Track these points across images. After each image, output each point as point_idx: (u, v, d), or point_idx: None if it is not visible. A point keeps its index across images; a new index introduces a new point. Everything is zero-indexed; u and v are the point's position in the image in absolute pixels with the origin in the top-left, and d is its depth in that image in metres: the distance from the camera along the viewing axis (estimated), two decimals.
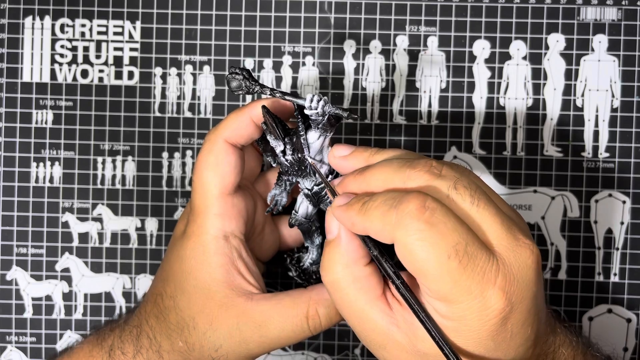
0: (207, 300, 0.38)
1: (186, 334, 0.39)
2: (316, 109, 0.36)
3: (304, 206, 0.41)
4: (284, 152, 0.38)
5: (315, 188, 0.39)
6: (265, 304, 0.38)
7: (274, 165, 0.41)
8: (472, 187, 0.32)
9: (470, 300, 0.30)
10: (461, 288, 0.30)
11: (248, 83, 0.37)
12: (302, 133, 0.37)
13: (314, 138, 0.37)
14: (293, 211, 0.41)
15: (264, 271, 0.46)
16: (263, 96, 0.38)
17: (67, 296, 0.50)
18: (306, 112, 0.36)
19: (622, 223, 0.48)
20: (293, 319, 0.38)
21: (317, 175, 0.38)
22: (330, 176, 0.39)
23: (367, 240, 0.33)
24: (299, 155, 0.38)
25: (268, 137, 0.39)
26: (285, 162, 0.39)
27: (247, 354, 0.39)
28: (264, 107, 0.38)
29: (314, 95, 0.36)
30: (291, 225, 0.41)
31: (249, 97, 0.49)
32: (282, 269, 0.48)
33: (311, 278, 0.43)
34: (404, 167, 0.33)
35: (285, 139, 0.38)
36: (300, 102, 0.36)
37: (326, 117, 0.36)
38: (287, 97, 0.37)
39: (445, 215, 0.30)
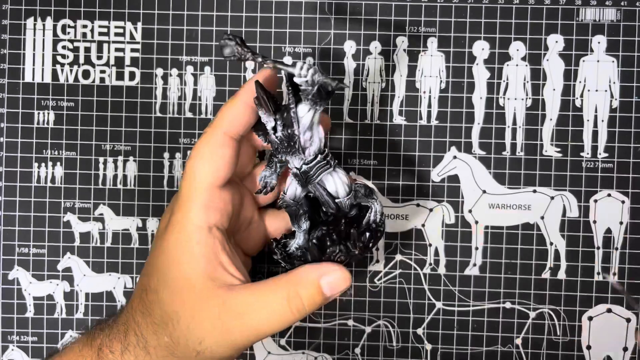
0: (189, 292, 0.38)
1: (170, 329, 0.38)
2: (305, 77, 0.36)
3: (292, 187, 0.40)
4: (274, 128, 0.38)
5: (304, 167, 0.39)
6: (245, 292, 0.38)
7: (265, 144, 0.40)
8: None
9: None
10: None
11: (240, 49, 0.36)
12: (292, 106, 0.37)
13: (304, 111, 0.37)
14: (282, 192, 0.41)
15: (250, 267, 0.46)
16: (248, 63, 0.38)
17: (69, 296, 0.50)
18: (295, 80, 0.36)
19: (621, 223, 0.49)
20: (273, 303, 0.37)
21: (306, 153, 0.38)
22: (319, 156, 0.39)
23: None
24: (289, 131, 0.38)
25: (260, 113, 0.39)
26: (276, 140, 0.39)
27: (231, 345, 0.38)
28: (257, 82, 0.38)
29: (304, 63, 0.36)
30: (279, 207, 0.41)
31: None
32: (268, 252, 0.47)
33: (294, 261, 0.42)
34: None
35: (277, 115, 0.38)
36: (290, 69, 0.36)
37: (316, 87, 0.36)
38: (278, 65, 0.37)
39: None
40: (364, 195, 0.41)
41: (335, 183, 0.40)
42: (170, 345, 0.39)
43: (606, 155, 0.49)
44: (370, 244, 0.40)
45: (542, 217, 0.49)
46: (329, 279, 0.38)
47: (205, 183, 0.39)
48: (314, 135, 0.38)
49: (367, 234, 0.40)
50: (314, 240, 0.40)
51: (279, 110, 0.38)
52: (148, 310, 0.39)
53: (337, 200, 0.40)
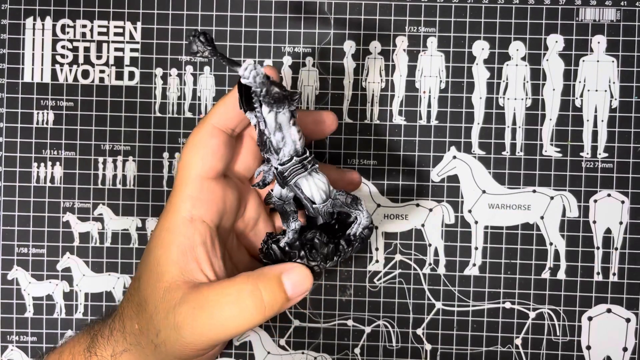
0: (157, 280, 0.38)
1: (140, 316, 0.38)
2: (248, 79, 0.35)
3: (278, 186, 0.40)
4: (256, 125, 0.38)
5: (280, 167, 0.38)
6: (204, 288, 0.36)
7: (258, 144, 0.40)
8: None
9: None
10: None
11: (202, 47, 0.36)
12: (255, 105, 0.36)
13: (266, 112, 0.36)
14: (269, 190, 0.40)
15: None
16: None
17: (68, 296, 0.50)
18: (242, 81, 0.35)
19: (620, 223, 0.49)
20: (228, 296, 0.36)
21: (280, 153, 0.37)
22: (295, 158, 0.38)
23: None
24: (260, 129, 0.37)
25: (241, 110, 0.38)
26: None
27: (181, 342, 0.36)
28: (239, 80, 0.37)
29: (249, 64, 0.35)
30: (267, 204, 0.41)
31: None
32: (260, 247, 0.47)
33: (271, 257, 0.41)
34: None
35: (256, 112, 0.36)
36: (237, 69, 0.35)
37: (264, 89, 0.35)
38: (230, 65, 0.35)
39: None
40: (345, 205, 0.39)
41: (311, 188, 0.39)
42: (138, 333, 0.38)
43: (606, 155, 0.49)
44: (336, 257, 0.39)
45: (542, 217, 0.49)
46: (292, 276, 0.37)
47: (194, 173, 0.39)
48: (285, 136, 0.37)
49: (331, 246, 0.39)
50: (297, 241, 0.40)
51: (253, 109, 0.37)
52: (132, 297, 0.40)
53: (314, 206, 0.39)
